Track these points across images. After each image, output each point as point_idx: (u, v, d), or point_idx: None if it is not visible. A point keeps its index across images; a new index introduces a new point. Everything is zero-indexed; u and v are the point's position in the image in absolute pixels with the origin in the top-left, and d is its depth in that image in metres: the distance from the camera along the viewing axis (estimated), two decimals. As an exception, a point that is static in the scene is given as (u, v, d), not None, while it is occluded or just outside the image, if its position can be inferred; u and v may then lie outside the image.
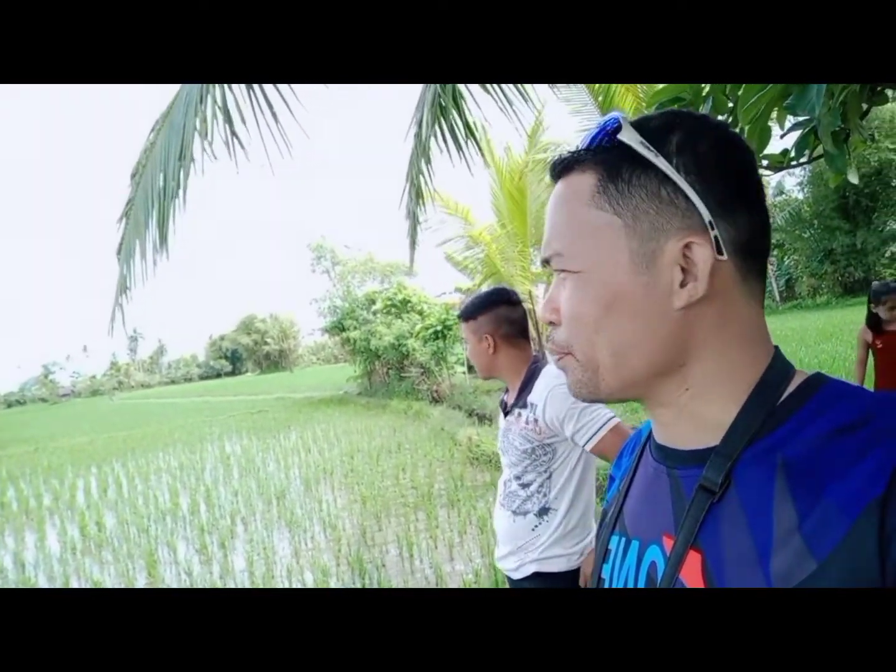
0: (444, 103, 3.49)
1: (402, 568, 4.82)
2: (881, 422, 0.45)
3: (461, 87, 3.40)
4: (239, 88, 3.05)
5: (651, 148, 0.52)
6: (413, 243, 4.67)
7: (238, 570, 5.26)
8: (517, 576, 1.84)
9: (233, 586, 4.87)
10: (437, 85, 3.39)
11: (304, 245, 23.37)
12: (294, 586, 4.70)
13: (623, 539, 0.64)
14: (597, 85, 6.60)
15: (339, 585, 4.56)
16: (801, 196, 27.48)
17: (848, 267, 25.71)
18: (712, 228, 0.51)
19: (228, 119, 3.06)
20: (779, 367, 0.54)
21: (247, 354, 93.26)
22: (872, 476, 0.42)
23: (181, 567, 5.51)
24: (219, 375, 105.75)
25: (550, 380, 1.75)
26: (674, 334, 0.53)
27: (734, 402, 0.53)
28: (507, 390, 1.97)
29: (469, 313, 1.92)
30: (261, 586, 4.71)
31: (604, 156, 0.55)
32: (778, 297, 30.63)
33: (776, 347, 0.56)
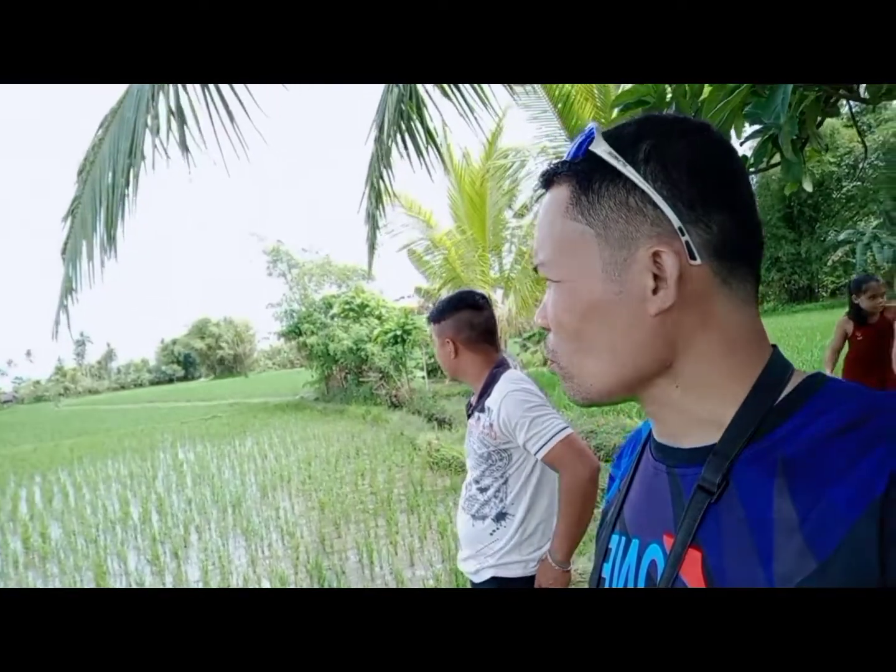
0: (404, 107, 3.48)
1: (363, 574, 4.76)
2: (881, 421, 0.45)
3: (422, 91, 3.40)
4: (193, 88, 2.98)
5: (619, 157, 0.53)
6: (372, 247, 4.64)
7: (192, 580, 5.11)
8: (477, 579, 1.85)
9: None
10: (399, 89, 3.39)
11: (261, 248, 23.03)
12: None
13: (623, 538, 0.64)
14: (556, 92, 6.70)
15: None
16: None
17: (793, 275, 26.77)
18: (682, 234, 0.51)
19: (182, 118, 2.99)
20: (777, 367, 0.54)
21: (200, 359, 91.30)
22: (873, 476, 0.42)
23: (132, 578, 5.32)
24: (171, 381, 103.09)
25: (507, 385, 1.76)
26: (653, 339, 0.54)
27: (730, 400, 0.53)
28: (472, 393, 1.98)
29: (435, 316, 1.94)
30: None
31: (578, 167, 0.56)
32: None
33: (774, 347, 0.56)
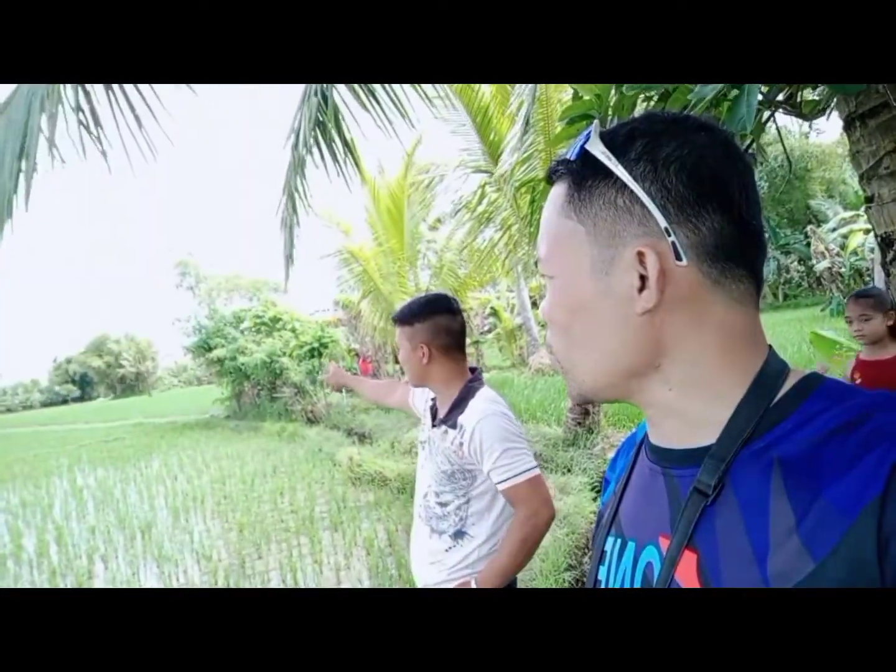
0: (321, 117, 3.43)
1: (285, 597, 4.59)
2: (878, 421, 0.45)
3: (340, 102, 3.37)
4: (93, 88, 2.81)
5: (612, 157, 0.53)
6: (289, 258, 4.53)
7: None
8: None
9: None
10: (318, 98, 3.34)
11: (168, 260, 22.05)
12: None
13: (619, 540, 0.64)
14: (475, 105, 6.81)
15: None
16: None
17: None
18: (669, 235, 0.51)
19: (84, 120, 2.82)
20: (773, 368, 0.54)
21: (98, 378, 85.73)
22: (870, 476, 0.42)
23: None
24: (65, 402, 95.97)
25: (486, 405, 1.67)
26: (641, 338, 0.54)
27: (725, 402, 0.53)
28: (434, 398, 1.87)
29: (405, 318, 1.81)
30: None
31: (574, 166, 0.57)
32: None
33: (770, 347, 0.56)
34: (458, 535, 1.69)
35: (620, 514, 0.65)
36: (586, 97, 1.56)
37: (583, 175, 0.56)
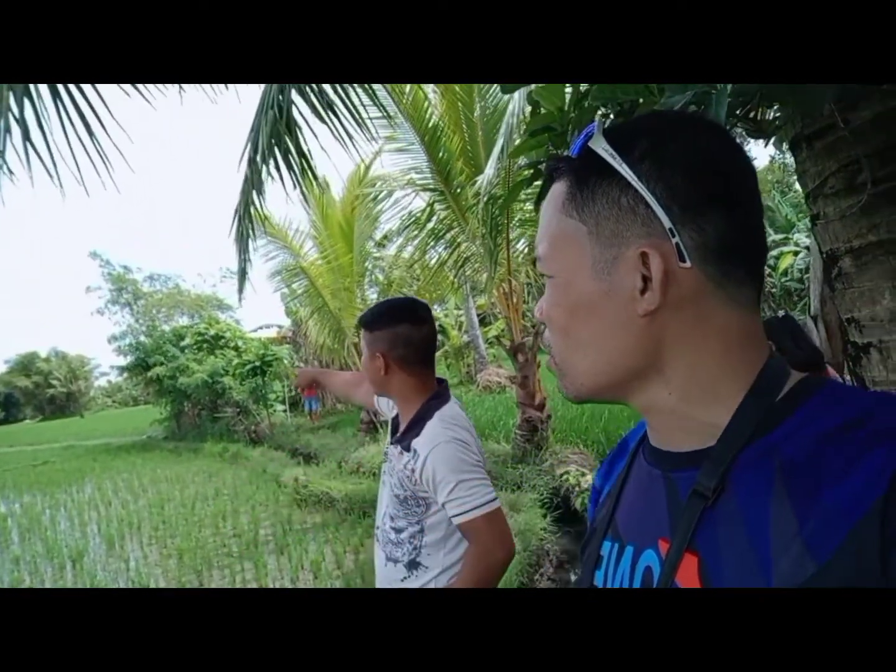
0: (280, 129, 3.39)
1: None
2: (880, 422, 0.44)
3: (297, 116, 3.33)
4: (35, 88, 2.69)
5: (615, 155, 0.52)
6: (243, 274, 4.43)
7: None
8: None
9: None
10: (274, 111, 3.30)
11: (102, 276, 21.23)
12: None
13: (616, 545, 0.62)
14: (424, 125, 6.86)
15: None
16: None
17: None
18: (673, 236, 0.51)
19: (25, 127, 2.69)
20: (774, 370, 0.53)
21: (25, 399, 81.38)
22: (873, 478, 0.42)
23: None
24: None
25: (441, 432, 1.51)
26: (642, 340, 0.53)
27: (726, 405, 0.52)
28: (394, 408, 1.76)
29: (367, 323, 1.68)
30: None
31: (576, 164, 0.56)
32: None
33: (771, 349, 0.55)
34: (413, 565, 1.56)
35: (617, 519, 0.64)
36: (545, 111, 1.57)
37: (585, 173, 0.55)
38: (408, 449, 1.55)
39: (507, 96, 6.64)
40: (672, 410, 0.55)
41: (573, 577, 5.05)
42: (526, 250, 7.81)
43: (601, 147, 0.53)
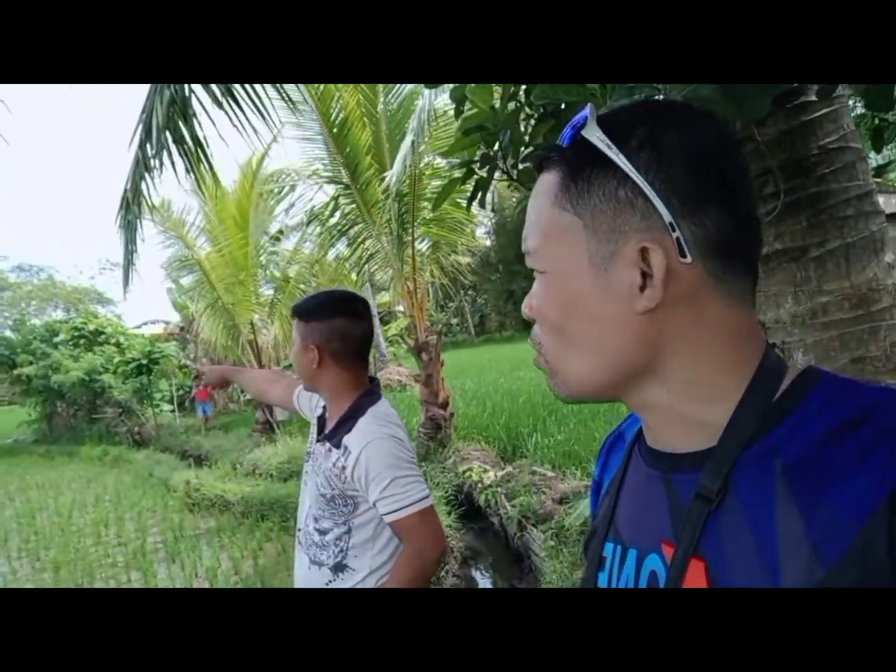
0: (173, 113, 3.19)
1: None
2: (882, 418, 0.44)
3: (195, 101, 3.14)
4: None
5: (612, 145, 0.50)
6: (129, 265, 4.14)
7: None
8: None
9: None
10: (170, 91, 3.10)
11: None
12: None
13: (619, 547, 0.60)
14: (332, 117, 6.70)
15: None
16: (488, 243, 31.58)
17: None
18: (674, 230, 0.49)
19: None
20: (771, 365, 0.52)
21: None
22: (879, 477, 0.41)
23: None
24: None
25: (374, 429, 1.50)
26: (640, 338, 0.51)
27: (724, 403, 0.51)
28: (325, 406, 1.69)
29: (301, 313, 1.62)
30: None
31: (569, 153, 0.53)
32: (473, 332, 35.12)
33: (767, 343, 0.54)
34: (339, 567, 1.51)
35: (617, 520, 0.63)
36: (474, 109, 1.57)
37: (579, 163, 0.52)
38: (338, 446, 1.51)
39: (411, 94, 6.65)
40: (669, 409, 0.54)
41: (477, 575, 5.14)
42: (429, 250, 7.84)
43: (596, 136, 0.50)
